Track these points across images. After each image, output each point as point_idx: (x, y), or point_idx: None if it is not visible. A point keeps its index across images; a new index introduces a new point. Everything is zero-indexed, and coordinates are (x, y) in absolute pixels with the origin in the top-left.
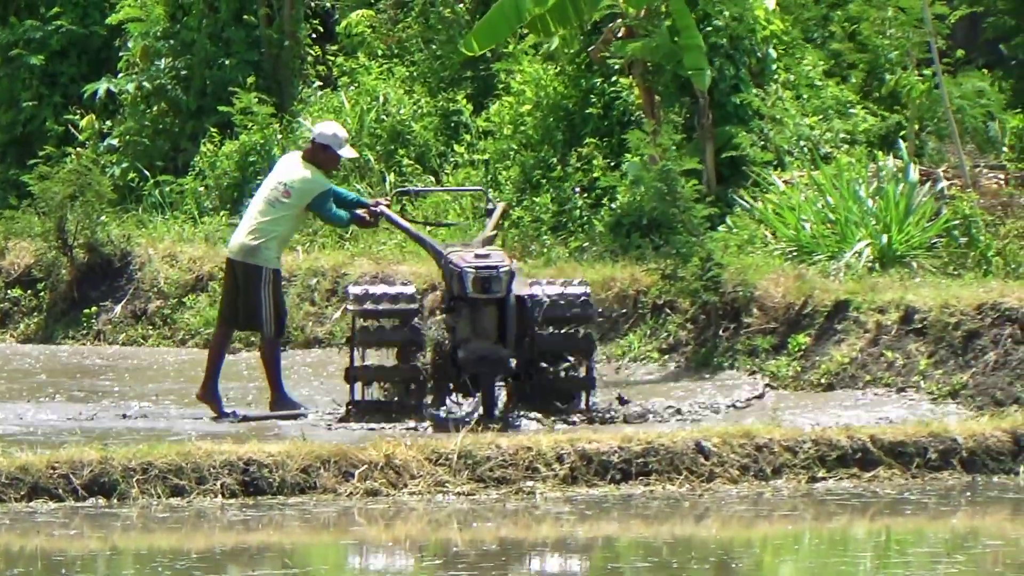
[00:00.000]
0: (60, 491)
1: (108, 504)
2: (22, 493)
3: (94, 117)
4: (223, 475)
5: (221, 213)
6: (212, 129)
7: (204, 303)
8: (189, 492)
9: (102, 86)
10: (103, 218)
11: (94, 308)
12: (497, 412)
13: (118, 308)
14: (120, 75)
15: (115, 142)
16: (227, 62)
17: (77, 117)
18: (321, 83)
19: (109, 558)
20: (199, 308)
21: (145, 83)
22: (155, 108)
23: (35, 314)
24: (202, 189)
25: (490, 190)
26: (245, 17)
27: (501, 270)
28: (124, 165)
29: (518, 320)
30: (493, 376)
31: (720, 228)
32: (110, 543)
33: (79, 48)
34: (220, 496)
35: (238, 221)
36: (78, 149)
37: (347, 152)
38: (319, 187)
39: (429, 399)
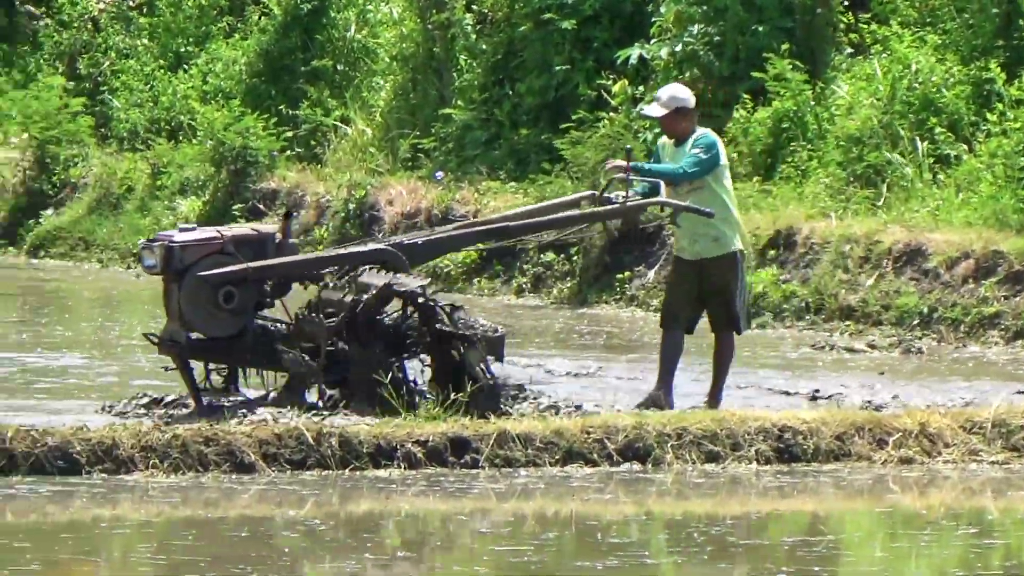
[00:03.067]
0: (595, 456)
1: (643, 469)
2: (557, 457)
3: (627, 82)
4: (757, 441)
5: (754, 179)
6: (745, 95)
7: None
8: (724, 458)
9: (635, 52)
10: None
11: (627, 273)
12: None
13: (651, 273)
14: (652, 41)
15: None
16: (760, 28)
17: (609, 82)
18: (853, 50)
19: (643, 523)
20: None
21: (677, 49)
22: (687, 74)
23: (568, 279)
24: (735, 155)
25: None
26: None
27: None
28: (656, 130)
29: None
30: None
31: None
32: (644, 508)
33: (612, 13)
34: (755, 462)
35: (771, 188)
36: (611, 114)
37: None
38: None
39: None
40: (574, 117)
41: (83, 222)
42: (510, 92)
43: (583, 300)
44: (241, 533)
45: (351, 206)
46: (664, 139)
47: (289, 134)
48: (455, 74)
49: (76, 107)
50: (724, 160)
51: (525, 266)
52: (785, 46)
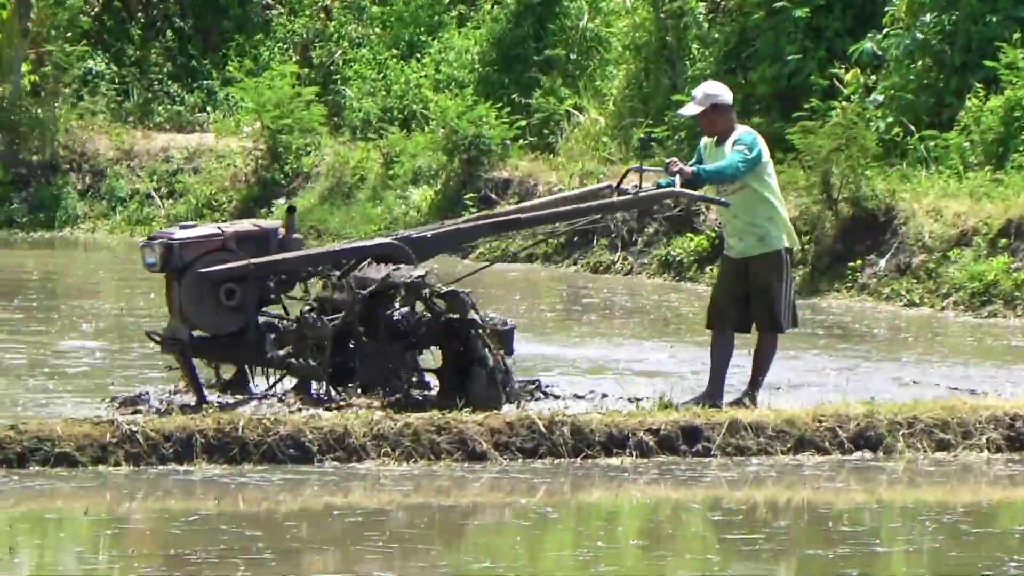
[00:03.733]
0: (826, 444)
1: (874, 457)
2: (788, 446)
3: (858, 71)
4: (988, 430)
5: (985, 168)
6: (977, 84)
7: (968, 258)
8: (954, 446)
9: (867, 46)
10: (867, 172)
11: (859, 261)
12: None
13: (883, 262)
14: (884, 30)
15: (880, 97)
16: (993, 18)
17: (841, 71)
18: None
19: (874, 511)
20: (963, 263)
21: (911, 39)
22: (919, 63)
23: (800, 267)
24: (967, 144)
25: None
26: None
27: None
28: (889, 120)
29: None
30: None
31: None
32: (875, 496)
33: (844, 2)
34: (985, 451)
35: (1002, 177)
36: (843, 103)
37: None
38: None
39: None
40: (806, 106)
41: (315, 211)
42: (742, 81)
43: (815, 289)
44: (472, 521)
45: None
46: (705, 139)
47: (522, 123)
48: (687, 63)
49: (308, 96)
50: (767, 157)
51: None
52: (1017, 35)
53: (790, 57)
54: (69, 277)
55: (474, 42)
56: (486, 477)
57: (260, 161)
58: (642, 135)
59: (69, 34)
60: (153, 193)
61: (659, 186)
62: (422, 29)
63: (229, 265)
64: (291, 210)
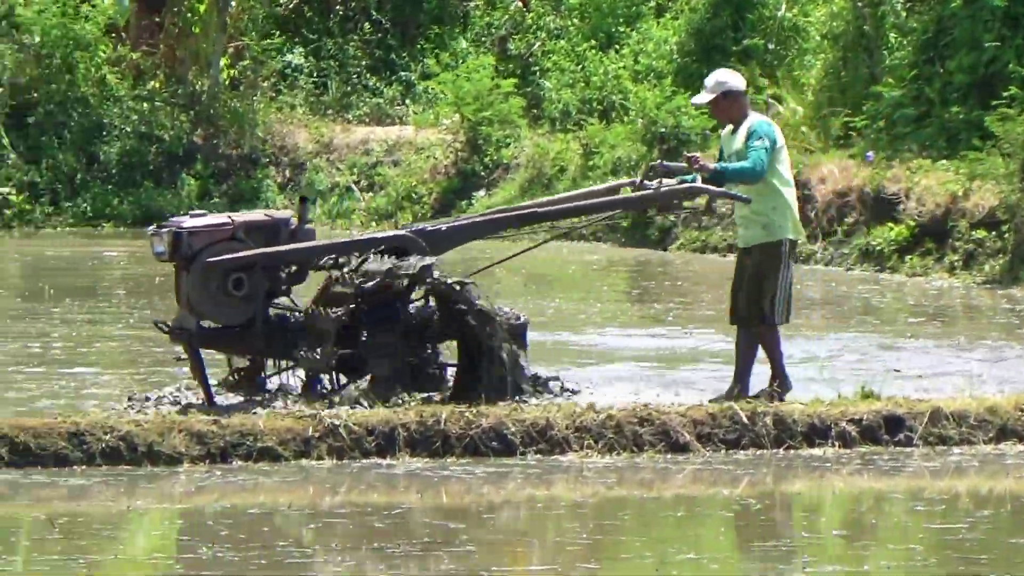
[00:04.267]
0: None
1: None
2: (990, 435)
3: None
4: None
5: None
6: None
7: None
8: None
9: None
10: None
11: None
12: None
13: None
14: None
15: None
16: None
17: None
18: None
19: None
20: None
21: None
22: None
23: (1000, 256)
24: None
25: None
26: None
27: None
28: None
29: None
30: None
31: None
32: None
33: None
34: None
35: None
36: None
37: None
38: None
39: None
40: (1004, 94)
41: (515, 202)
42: (940, 70)
43: (1015, 278)
44: (677, 513)
45: None
46: (724, 129)
47: None
48: (885, 52)
49: (507, 88)
50: (781, 142)
51: (956, 243)
52: None
53: (988, 45)
54: None
55: (672, 32)
56: (689, 469)
57: (459, 153)
58: (840, 124)
59: (267, 28)
60: (353, 186)
61: (682, 182)
62: (620, 20)
63: (237, 254)
64: (303, 200)
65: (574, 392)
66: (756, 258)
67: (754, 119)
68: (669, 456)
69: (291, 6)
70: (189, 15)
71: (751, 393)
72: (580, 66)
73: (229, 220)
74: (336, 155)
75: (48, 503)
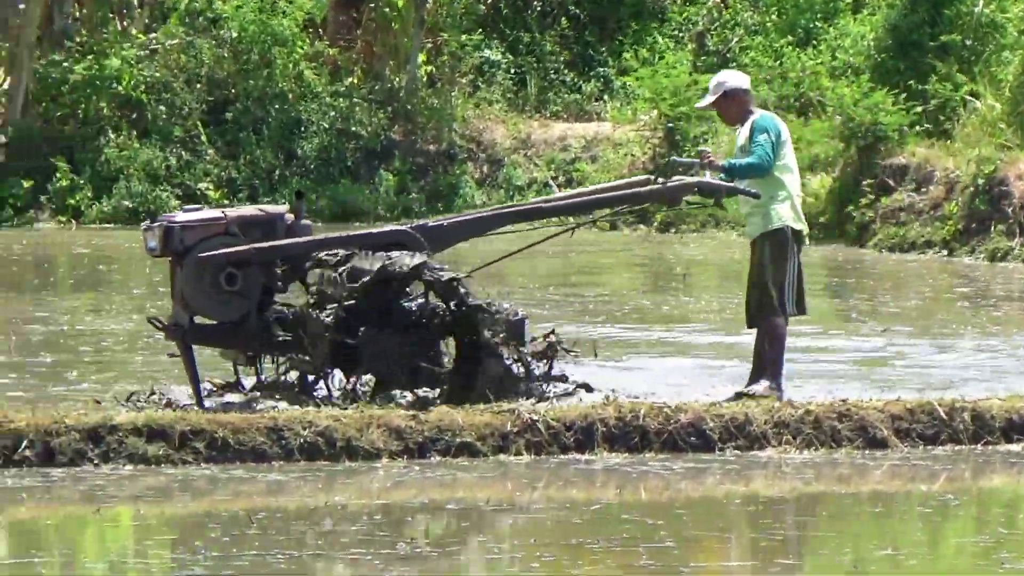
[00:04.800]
0: None
1: None
2: None
3: None
4: None
5: None
6: None
7: None
8: None
9: None
10: None
11: None
12: None
13: None
14: None
15: None
16: None
17: None
18: None
19: None
20: None
21: None
22: None
23: None
24: None
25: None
26: None
27: None
28: None
29: None
30: None
31: None
32: None
33: None
34: None
35: None
36: None
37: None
38: None
39: None
40: None
41: None
42: None
43: None
44: (874, 509)
45: (980, 181)
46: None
47: (918, 109)
48: None
49: (705, 84)
50: (786, 135)
51: None
52: None
53: None
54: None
55: (869, 28)
56: (887, 465)
57: (657, 149)
58: None
59: (465, 23)
60: (551, 182)
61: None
62: (818, 15)
63: (228, 249)
64: (299, 195)
65: (589, 390)
66: (760, 248)
67: (757, 114)
68: (867, 452)
69: (489, 1)
70: (387, 10)
71: (784, 395)
72: (777, 62)
73: (222, 215)
74: (534, 151)
75: (247, 498)
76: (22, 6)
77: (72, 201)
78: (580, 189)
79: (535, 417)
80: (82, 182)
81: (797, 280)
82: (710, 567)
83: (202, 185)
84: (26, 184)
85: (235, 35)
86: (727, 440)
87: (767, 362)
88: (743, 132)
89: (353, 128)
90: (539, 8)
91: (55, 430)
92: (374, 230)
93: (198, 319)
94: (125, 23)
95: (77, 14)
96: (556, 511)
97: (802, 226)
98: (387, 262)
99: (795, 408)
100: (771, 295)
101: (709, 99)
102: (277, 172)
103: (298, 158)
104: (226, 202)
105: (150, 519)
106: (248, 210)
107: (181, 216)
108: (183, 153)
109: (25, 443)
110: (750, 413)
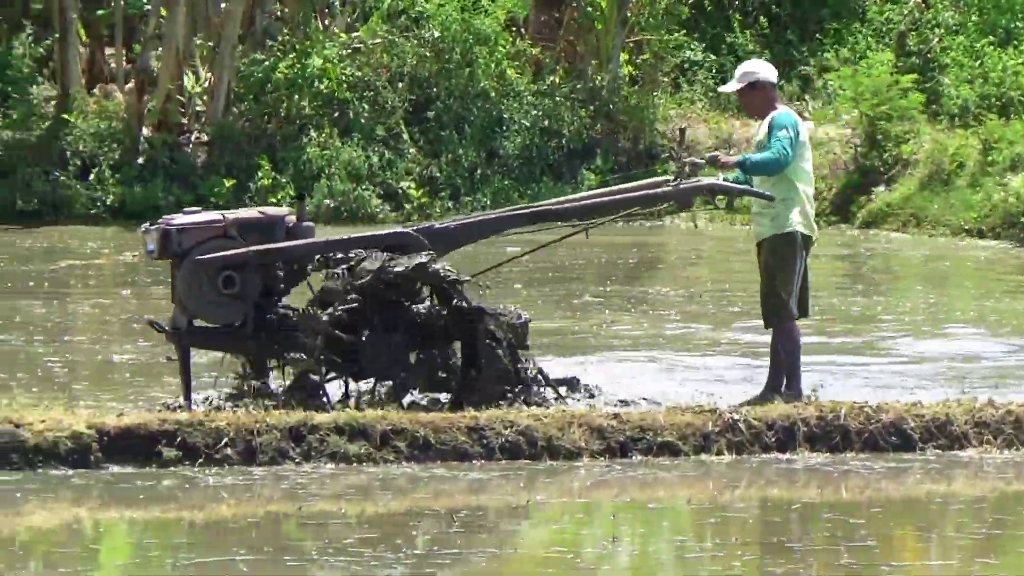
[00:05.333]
0: None
1: None
2: None
3: None
4: None
5: None
6: None
7: None
8: None
9: None
10: None
11: None
12: None
13: None
14: None
15: None
16: None
17: None
18: None
19: None
20: None
21: None
22: None
23: None
24: None
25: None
26: None
27: None
28: None
29: None
30: None
31: None
32: None
33: None
34: None
35: None
36: None
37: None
38: None
39: None
40: None
41: (914, 198)
42: None
43: None
44: None
45: None
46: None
47: None
48: None
49: (906, 84)
50: (804, 137)
51: None
52: None
53: None
54: (661, 264)
55: None
56: None
57: (859, 149)
58: None
59: (667, 23)
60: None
61: (736, 181)
62: (1019, 15)
63: (225, 252)
64: (301, 197)
65: (592, 396)
66: (768, 252)
67: (779, 111)
68: None
69: (691, 1)
70: (589, 9)
71: (803, 395)
72: (979, 62)
73: (221, 217)
74: (735, 150)
75: (449, 496)
76: (224, 5)
77: (274, 200)
78: (593, 191)
79: (736, 417)
80: (284, 181)
81: (801, 283)
82: (912, 566)
83: (404, 184)
84: (228, 183)
85: (437, 34)
86: (928, 440)
87: (785, 369)
88: (762, 128)
89: (555, 127)
90: (740, 7)
91: (256, 428)
92: (376, 232)
93: (197, 322)
94: (327, 22)
95: (279, 13)
96: (757, 510)
97: (811, 231)
98: (388, 263)
99: (996, 408)
100: (782, 300)
101: (735, 85)
102: (479, 171)
103: (500, 157)
104: (425, 200)
105: (351, 517)
106: (247, 212)
107: (179, 218)
108: (385, 152)
109: (225, 441)
110: (951, 413)
